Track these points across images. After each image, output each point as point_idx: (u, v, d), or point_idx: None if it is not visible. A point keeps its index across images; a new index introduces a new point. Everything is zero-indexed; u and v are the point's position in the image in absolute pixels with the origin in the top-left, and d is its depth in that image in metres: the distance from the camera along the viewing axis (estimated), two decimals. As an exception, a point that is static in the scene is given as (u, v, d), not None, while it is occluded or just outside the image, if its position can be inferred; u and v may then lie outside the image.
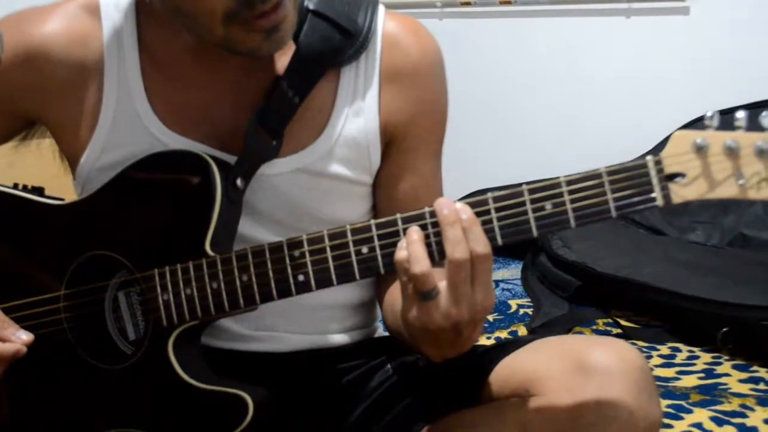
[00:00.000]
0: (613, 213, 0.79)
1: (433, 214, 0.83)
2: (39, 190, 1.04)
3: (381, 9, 1.03)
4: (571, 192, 0.80)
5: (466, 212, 0.81)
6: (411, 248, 0.81)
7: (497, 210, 0.82)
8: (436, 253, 0.83)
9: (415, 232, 0.82)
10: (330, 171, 1.01)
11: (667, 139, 2.72)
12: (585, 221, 0.80)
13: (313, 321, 1.07)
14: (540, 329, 2.11)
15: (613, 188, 0.79)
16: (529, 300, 2.38)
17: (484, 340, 1.06)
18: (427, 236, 0.83)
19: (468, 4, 3.04)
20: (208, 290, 0.91)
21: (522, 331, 2.18)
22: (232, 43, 0.90)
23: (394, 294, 1.00)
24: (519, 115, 2.98)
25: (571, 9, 2.87)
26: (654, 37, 2.74)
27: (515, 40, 2.96)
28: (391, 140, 1.04)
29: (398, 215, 0.85)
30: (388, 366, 1.06)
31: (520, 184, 0.82)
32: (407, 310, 0.83)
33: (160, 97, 1.00)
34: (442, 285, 0.81)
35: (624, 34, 2.79)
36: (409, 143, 1.04)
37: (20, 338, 0.96)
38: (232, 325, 1.04)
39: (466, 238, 0.80)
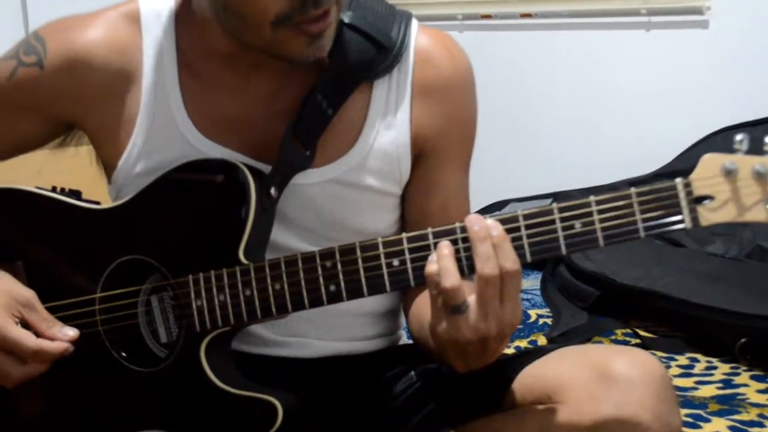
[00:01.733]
0: (642, 234, 0.81)
1: (463, 229, 0.85)
2: (76, 194, 1.06)
3: (414, 23, 1.04)
4: (600, 212, 0.82)
5: (496, 229, 0.83)
6: (442, 262, 0.83)
7: (527, 227, 0.84)
8: (466, 267, 0.85)
9: (445, 247, 0.84)
10: (361, 182, 1.03)
11: (687, 152, 2.74)
12: (613, 241, 0.82)
13: (340, 328, 1.09)
14: (559, 339, 2.12)
15: (642, 209, 0.80)
16: (549, 310, 2.39)
17: (505, 350, 1.08)
18: (457, 251, 0.85)
19: (489, 16, 3.05)
20: (241, 297, 0.93)
21: (542, 340, 2.19)
22: (275, 47, 0.92)
23: (421, 305, 1.02)
24: (540, 127, 2.99)
25: (591, 22, 2.88)
26: (673, 50, 2.74)
27: (536, 52, 2.97)
28: (420, 153, 1.05)
29: (429, 229, 0.87)
30: (412, 373, 1.08)
31: (551, 204, 0.84)
32: (437, 322, 0.85)
33: (196, 106, 1.02)
34: (472, 299, 0.82)
35: (644, 47, 2.79)
36: (438, 156, 1.06)
37: (67, 335, 0.98)
38: (262, 330, 1.06)
39: (496, 254, 0.82)
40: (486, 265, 0.82)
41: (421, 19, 1.07)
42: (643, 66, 2.79)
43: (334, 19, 0.92)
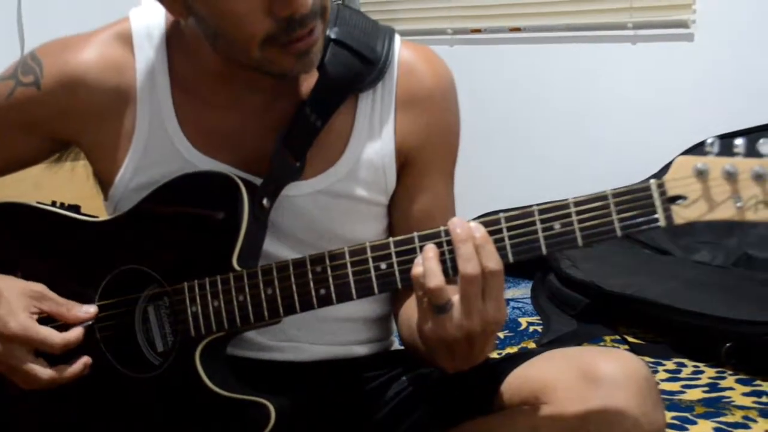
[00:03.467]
0: (619, 233, 0.84)
1: (448, 232, 0.88)
2: (75, 208, 1.08)
3: (397, 38, 1.08)
4: (578, 213, 0.85)
5: (479, 231, 0.86)
6: (426, 264, 0.86)
7: (509, 229, 0.87)
8: (450, 269, 0.87)
9: (430, 250, 0.87)
10: (349, 192, 1.05)
11: (671, 162, 2.76)
12: (592, 240, 0.85)
13: (332, 333, 1.11)
14: (549, 346, 2.14)
15: (618, 209, 0.83)
16: (539, 318, 2.42)
17: (495, 356, 1.10)
18: (442, 253, 0.88)
19: (478, 31, 3.08)
20: (235, 303, 0.95)
21: (532, 347, 2.22)
22: (265, 65, 0.95)
23: (409, 310, 1.04)
24: (529, 139, 3.01)
25: (578, 36, 2.91)
26: (659, 62, 2.77)
27: (525, 65, 3.00)
28: (405, 162, 1.08)
29: (415, 233, 0.90)
30: (404, 377, 1.10)
31: (531, 206, 0.87)
32: (423, 322, 0.88)
33: (190, 121, 1.04)
34: (455, 299, 0.85)
35: (630, 60, 2.82)
36: (423, 165, 1.08)
37: (89, 312, 1.01)
38: (257, 336, 1.08)
39: (478, 254, 0.85)
40: (468, 265, 0.84)
41: (411, 33, 1.10)
42: (629, 78, 2.82)
43: (321, 35, 0.95)
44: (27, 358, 0.98)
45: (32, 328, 0.97)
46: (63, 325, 1.01)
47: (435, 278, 0.85)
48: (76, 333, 0.99)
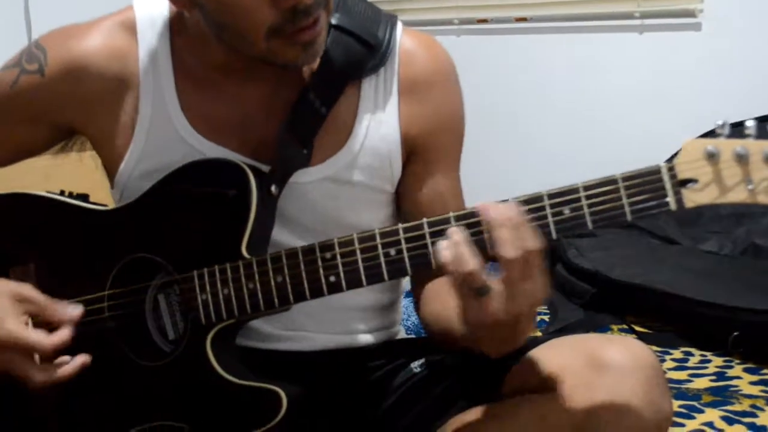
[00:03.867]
0: (629, 216, 0.83)
1: (458, 218, 0.87)
2: (84, 197, 1.09)
3: (399, 25, 1.08)
4: (588, 197, 0.84)
5: (512, 211, 0.83)
6: (456, 249, 0.83)
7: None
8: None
9: (456, 233, 0.85)
10: (354, 179, 1.06)
11: (679, 152, 2.73)
12: (602, 224, 0.84)
13: (340, 322, 1.11)
14: (556, 335, 2.13)
15: (628, 193, 0.83)
16: (546, 307, 2.41)
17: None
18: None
19: (485, 21, 3.07)
20: (245, 290, 0.95)
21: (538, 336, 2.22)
22: (271, 56, 0.95)
23: (434, 298, 1.04)
24: (535, 129, 3.01)
25: (585, 25, 2.90)
26: (666, 52, 2.76)
27: (531, 55, 2.99)
28: (412, 150, 1.08)
29: (424, 220, 0.89)
30: (411, 365, 1.10)
31: (540, 192, 0.86)
32: (465, 308, 0.85)
33: (193, 109, 1.05)
34: (495, 282, 0.83)
35: (637, 50, 2.81)
36: (429, 151, 1.08)
37: (74, 313, 1.00)
38: (264, 325, 1.08)
39: (515, 236, 0.82)
40: (507, 249, 0.81)
41: (417, 24, 1.11)
42: (636, 68, 2.81)
43: (324, 25, 0.95)
44: (19, 361, 0.97)
45: (21, 335, 0.96)
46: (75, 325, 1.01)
47: (468, 263, 0.82)
48: (64, 334, 0.98)
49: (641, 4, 2.77)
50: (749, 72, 2.61)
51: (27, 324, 0.99)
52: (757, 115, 2.50)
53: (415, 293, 1.12)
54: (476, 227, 0.87)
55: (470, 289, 0.83)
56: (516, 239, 0.82)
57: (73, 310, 1.00)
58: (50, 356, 0.98)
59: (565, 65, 2.93)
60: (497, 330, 0.85)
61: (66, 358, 0.98)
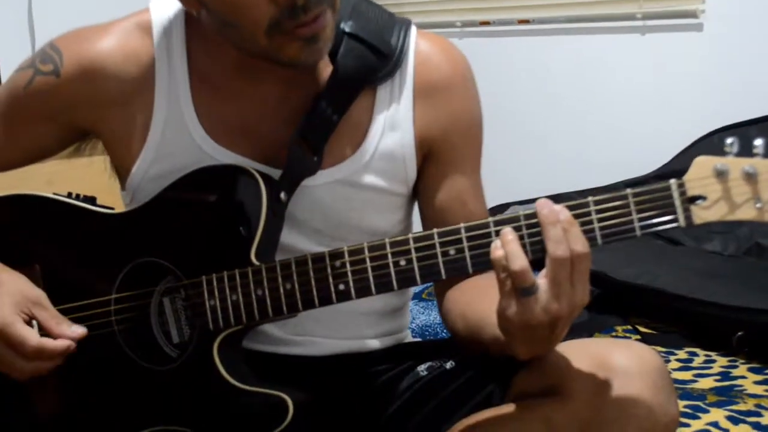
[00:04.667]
0: (638, 232, 0.84)
1: (468, 228, 0.89)
2: (91, 200, 1.09)
3: (413, 29, 1.08)
4: (598, 212, 0.85)
5: (564, 213, 0.85)
6: (508, 247, 0.85)
7: (527, 227, 0.87)
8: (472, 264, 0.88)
9: (509, 233, 0.86)
10: (367, 183, 1.06)
11: (683, 153, 2.74)
12: (611, 239, 0.85)
13: (348, 327, 1.11)
14: (561, 338, 2.15)
15: (638, 209, 0.84)
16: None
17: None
18: (462, 249, 0.89)
19: (487, 23, 3.07)
20: (253, 297, 0.96)
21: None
22: (273, 52, 0.95)
23: (461, 300, 1.05)
24: (538, 131, 3.01)
25: (587, 27, 2.90)
26: (668, 53, 2.76)
27: (534, 57, 2.99)
28: (429, 153, 1.08)
29: (434, 230, 0.90)
30: (417, 368, 1.10)
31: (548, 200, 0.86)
32: (506, 306, 0.86)
33: (207, 112, 1.05)
34: (542, 281, 0.84)
35: (639, 51, 2.81)
36: (448, 154, 1.08)
37: (75, 332, 1.00)
38: (272, 329, 1.09)
39: (566, 236, 0.84)
40: (558, 248, 0.84)
41: (420, 26, 1.10)
42: (639, 69, 2.81)
43: (330, 23, 0.95)
44: (4, 352, 0.98)
45: (12, 325, 0.97)
46: (79, 320, 1.02)
47: (519, 260, 0.84)
48: (55, 344, 0.98)
49: (643, 5, 2.77)
50: (751, 72, 2.61)
51: (24, 322, 0.99)
52: (758, 116, 2.51)
53: (439, 293, 1.12)
54: (486, 238, 0.88)
55: (517, 288, 0.84)
56: (566, 239, 0.84)
57: (76, 329, 1.00)
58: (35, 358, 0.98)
59: (567, 67, 2.93)
60: (535, 331, 0.86)
61: (49, 340, 0.98)
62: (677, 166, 2.63)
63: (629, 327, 2.23)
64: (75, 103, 1.06)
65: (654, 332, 2.21)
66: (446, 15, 3.12)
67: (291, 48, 0.94)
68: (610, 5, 2.84)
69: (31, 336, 0.97)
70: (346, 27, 1.03)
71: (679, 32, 2.74)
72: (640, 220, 0.84)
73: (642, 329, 2.22)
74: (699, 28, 2.71)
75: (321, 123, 1.02)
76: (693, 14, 2.69)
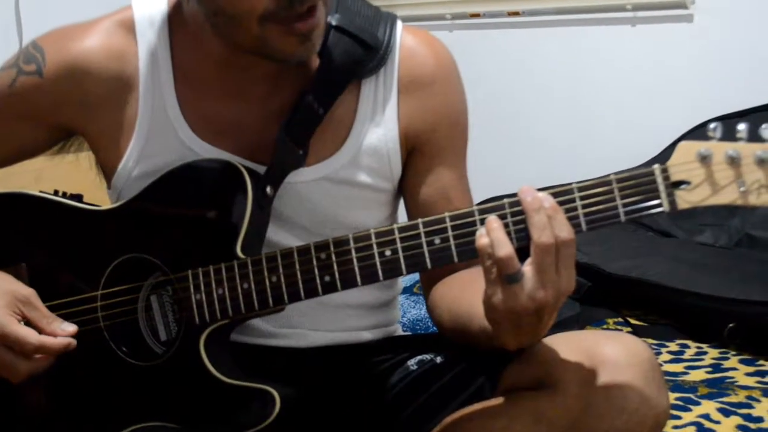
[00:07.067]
0: (622, 218, 0.84)
1: (453, 218, 0.88)
2: (78, 197, 1.09)
3: (399, 24, 1.08)
4: (582, 198, 0.85)
5: (548, 201, 0.85)
6: (493, 234, 0.85)
7: (512, 215, 0.87)
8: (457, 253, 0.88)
9: (494, 221, 0.86)
10: (352, 179, 1.06)
11: (673, 144, 2.74)
12: (596, 226, 0.85)
13: (336, 319, 1.11)
14: (553, 329, 2.14)
15: (622, 194, 0.84)
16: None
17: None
18: (447, 238, 0.88)
19: (477, 15, 3.07)
20: (239, 290, 0.96)
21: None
22: (265, 46, 0.94)
23: (449, 295, 1.05)
24: (529, 123, 3.01)
25: (577, 18, 2.90)
26: (659, 44, 2.76)
27: (524, 49, 2.99)
28: (413, 148, 1.08)
29: (419, 220, 0.90)
30: (408, 362, 1.10)
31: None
32: (492, 294, 0.86)
33: (192, 110, 1.05)
34: (527, 269, 0.84)
35: (630, 42, 2.81)
36: (433, 148, 1.08)
37: (66, 330, 1.00)
38: (260, 322, 1.08)
39: (550, 224, 0.84)
40: (542, 235, 0.83)
41: (410, 19, 1.10)
42: (629, 60, 2.81)
43: (322, 19, 0.95)
44: (3, 352, 0.97)
45: (9, 326, 0.97)
46: (66, 317, 1.02)
47: (504, 247, 0.84)
48: (56, 341, 0.98)
49: (633, -4, 2.78)
50: (741, 63, 2.62)
51: (19, 322, 0.99)
52: (748, 107, 2.51)
53: (426, 288, 1.12)
54: (471, 227, 0.88)
55: (502, 275, 0.84)
56: (551, 226, 0.83)
57: (67, 327, 1.00)
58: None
59: (558, 59, 2.93)
60: (521, 319, 0.85)
61: (50, 338, 0.98)
62: (668, 157, 2.62)
63: (621, 319, 2.23)
64: (58, 103, 1.06)
65: (645, 324, 2.21)
66: (436, 7, 3.11)
67: (286, 43, 0.93)
68: (600, -3, 2.84)
69: (30, 335, 0.97)
70: (333, 20, 1.02)
71: (670, 23, 2.75)
72: (625, 205, 0.84)
73: (633, 322, 2.22)
74: (689, 19, 2.71)
75: (307, 117, 1.02)
76: (683, 5, 2.70)
